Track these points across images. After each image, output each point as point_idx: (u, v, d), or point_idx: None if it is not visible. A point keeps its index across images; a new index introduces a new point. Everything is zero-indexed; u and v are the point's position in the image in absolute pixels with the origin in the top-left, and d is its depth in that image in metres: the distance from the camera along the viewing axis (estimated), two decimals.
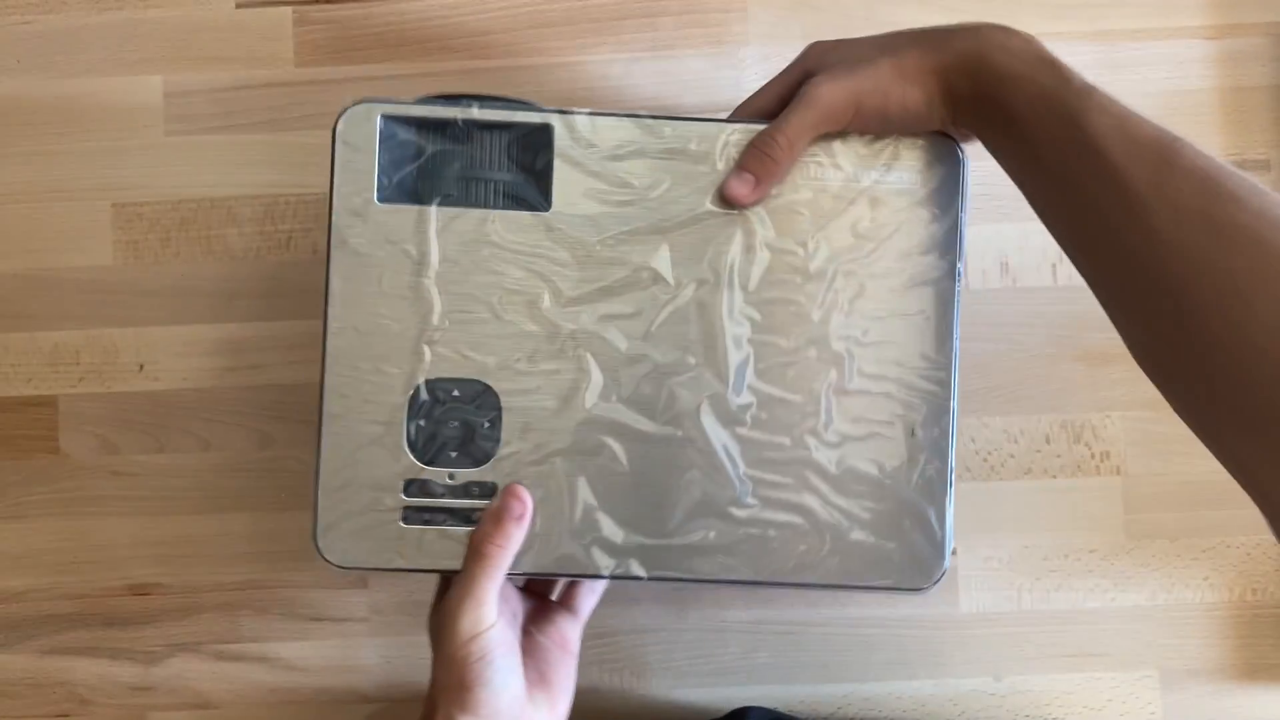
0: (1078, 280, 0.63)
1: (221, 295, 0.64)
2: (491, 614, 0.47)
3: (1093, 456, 0.63)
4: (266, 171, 0.64)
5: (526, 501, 0.49)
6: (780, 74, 0.52)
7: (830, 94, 0.48)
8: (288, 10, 0.64)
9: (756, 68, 0.64)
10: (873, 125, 0.49)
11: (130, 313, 0.63)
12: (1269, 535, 0.63)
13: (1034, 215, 0.64)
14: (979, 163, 0.63)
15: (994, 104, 0.45)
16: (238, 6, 0.64)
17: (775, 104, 0.51)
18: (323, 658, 0.63)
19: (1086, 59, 0.64)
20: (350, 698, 0.63)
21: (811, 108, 0.48)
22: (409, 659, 0.63)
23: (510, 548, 0.48)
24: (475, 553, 0.48)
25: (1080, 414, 0.63)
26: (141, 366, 0.63)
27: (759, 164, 0.49)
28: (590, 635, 0.62)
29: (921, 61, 0.47)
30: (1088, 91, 0.43)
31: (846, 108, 0.48)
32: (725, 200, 0.50)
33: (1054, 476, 0.63)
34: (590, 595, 0.54)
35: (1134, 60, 0.64)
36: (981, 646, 0.63)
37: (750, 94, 0.53)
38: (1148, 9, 0.64)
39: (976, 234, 0.63)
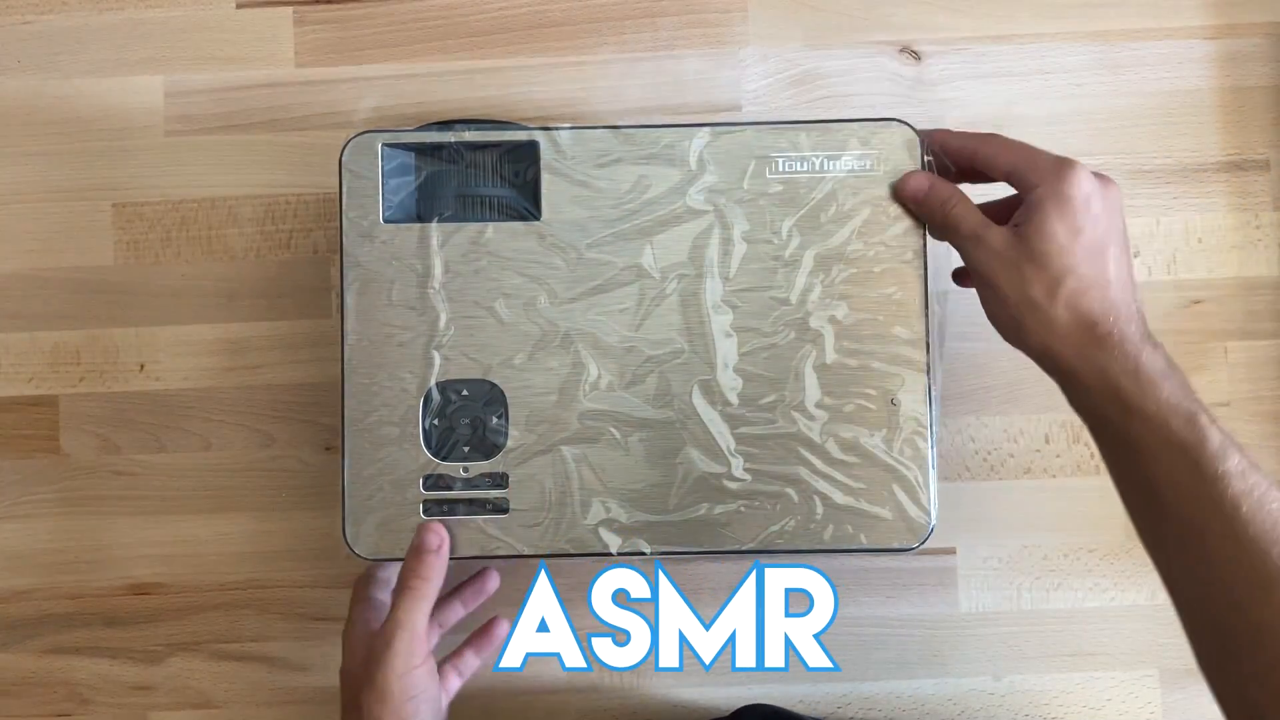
0: None
1: (221, 295, 0.64)
2: (423, 648, 0.50)
3: (1092, 456, 0.63)
4: (266, 171, 0.64)
5: (441, 534, 0.52)
6: (984, 141, 0.51)
7: (984, 265, 0.48)
8: (288, 10, 0.64)
9: (756, 68, 0.64)
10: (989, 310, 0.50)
11: (130, 313, 0.64)
12: None
13: None
14: None
15: (1118, 433, 0.45)
16: (238, 6, 0.64)
17: (962, 158, 0.51)
18: (323, 658, 0.63)
19: (1086, 59, 0.64)
20: None
21: (976, 250, 0.48)
22: None
23: (434, 580, 0.51)
24: (401, 588, 0.51)
25: None
26: (142, 366, 0.63)
27: (932, 198, 0.51)
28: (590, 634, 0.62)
29: (1062, 345, 0.46)
30: (1224, 454, 0.42)
31: (992, 278, 0.48)
32: (903, 196, 0.53)
33: (1054, 476, 0.63)
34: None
35: (1134, 60, 0.64)
36: (981, 646, 0.63)
37: (949, 129, 0.53)
38: (1147, 9, 0.64)
39: None
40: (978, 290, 0.50)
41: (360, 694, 0.50)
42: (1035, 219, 0.46)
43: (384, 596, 0.55)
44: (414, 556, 0.52)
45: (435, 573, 0.51)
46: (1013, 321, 0.48)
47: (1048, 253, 0.46)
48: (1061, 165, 0.47)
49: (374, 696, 0.49)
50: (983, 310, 0.50)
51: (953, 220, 0.50)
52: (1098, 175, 0.48)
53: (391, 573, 0.54)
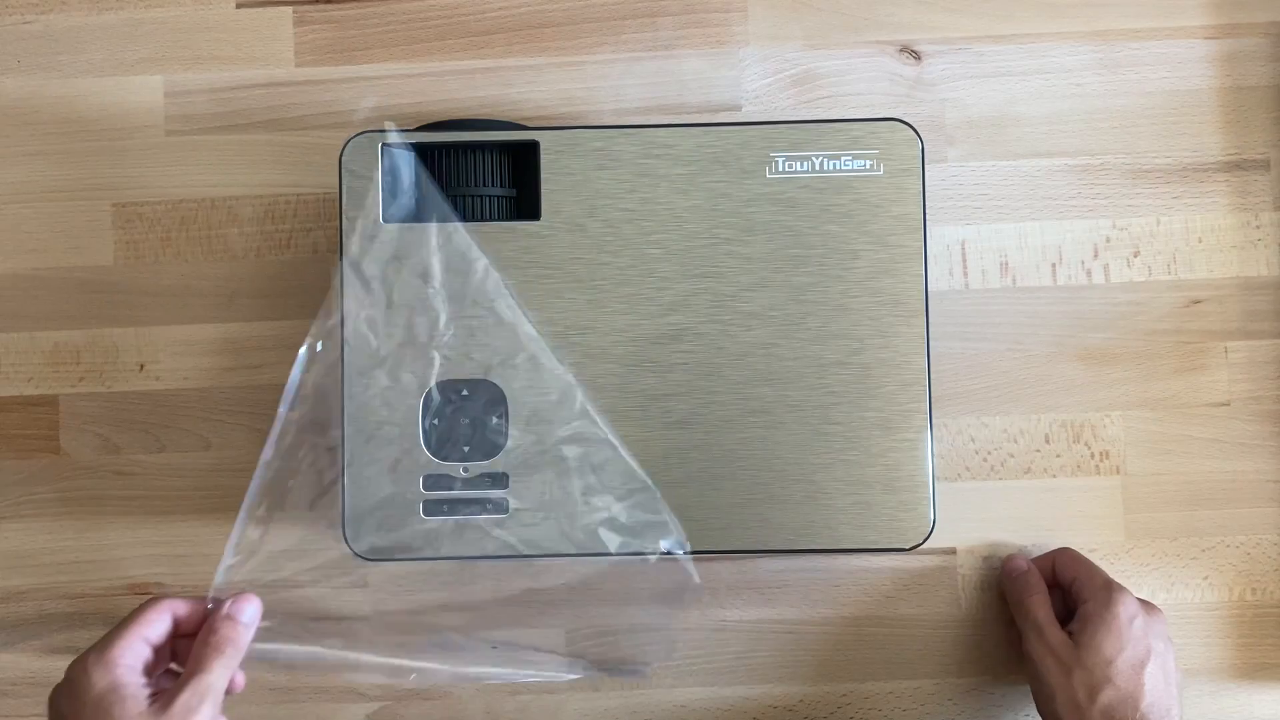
0: (1077, 280, 0.63)
1: (221, 295, 0.64)
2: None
3: (1092, 456, 0.63)
4: (266, 171, 0.64)
5: (258, 609, 0.53)
6: (1057, 557, 0.60)
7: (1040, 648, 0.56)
8: (288, 10, 0.64)
9: (756, 68, 0.64)
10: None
11: (130, 313, 0.64)
12: (1269, 534, 0.63)
13: (1033, 215, 0.64)
14: (977, 162, 0.64)
15: None
16: (238, 6, 0.64)
17: (1044, 568, 0.60)
18: (323, 658, 0.63)
19: (1086, 59, 0.64)
20: (350, 697, 0.63)
21: (1038, 641, 0.56)
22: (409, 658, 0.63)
23: (243, 649, 0.51)
24: (213, 651, 0.49)
25: (1080, 414, 0.63)
26: (142, 366, 0.63)
27: (1020, 584, 0.59)
28: (590, 635, 0.62)
29: None
30: None
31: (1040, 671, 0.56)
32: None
33: (1054, 476, 0.63)
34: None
35: (1134, 60, 0.64)
36: (981, 646, 0.63)
37: (1026, 557, 0.62)
38: (1148, 9, 0.64)
39: (976, 234, 0.63)
40: (1029, 671, 0.57)
41: None
42: (1087, 631, 0.54)
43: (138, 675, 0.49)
44: (230, 624, 0.50)
45: (246, 643, 0.51)
46: (1053, 713, 0.54)
47: (1094, 665, 0.53)
48: (1109, 588, 0.56)
49: None
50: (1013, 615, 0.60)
51: (1029, 607, 0.57)
52: (1143, 602, 0.56)
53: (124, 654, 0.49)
